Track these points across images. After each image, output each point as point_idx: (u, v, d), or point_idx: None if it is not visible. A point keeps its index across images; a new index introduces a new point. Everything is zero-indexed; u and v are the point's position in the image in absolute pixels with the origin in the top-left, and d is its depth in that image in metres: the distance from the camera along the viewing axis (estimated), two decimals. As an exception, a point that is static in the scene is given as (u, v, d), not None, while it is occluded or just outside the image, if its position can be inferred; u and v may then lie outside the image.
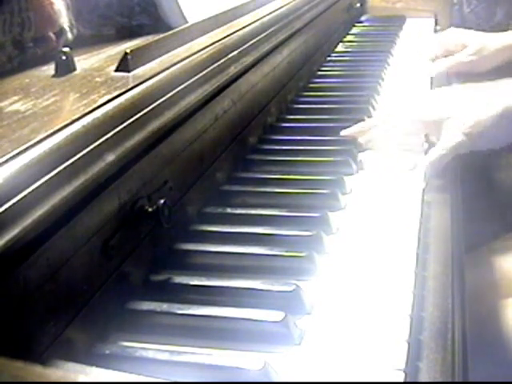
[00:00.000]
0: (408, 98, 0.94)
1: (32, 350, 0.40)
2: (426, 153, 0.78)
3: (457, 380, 0.47)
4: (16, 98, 0.52)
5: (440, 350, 0.48)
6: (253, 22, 0.85)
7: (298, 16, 1.06)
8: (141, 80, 0.56)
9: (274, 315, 0.47)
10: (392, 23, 1.63)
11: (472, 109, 0.76)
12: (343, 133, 0.85)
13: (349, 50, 1.40)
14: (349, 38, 1.50)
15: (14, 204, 0.37)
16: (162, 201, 0.53)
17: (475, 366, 0.70)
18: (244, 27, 0.82)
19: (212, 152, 0.70)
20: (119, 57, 0.60)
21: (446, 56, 1.20)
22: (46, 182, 0.40)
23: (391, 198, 0.69)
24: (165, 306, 0.49)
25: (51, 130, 0.43)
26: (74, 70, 0.60)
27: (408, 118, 0.81)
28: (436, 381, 0.46)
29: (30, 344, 0.40)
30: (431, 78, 1.14)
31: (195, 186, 0.64)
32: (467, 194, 0.82)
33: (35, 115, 0.47)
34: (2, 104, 0.50)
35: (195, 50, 0.68)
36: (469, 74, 1.17)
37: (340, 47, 1.41)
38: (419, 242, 0.60)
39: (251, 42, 0.80)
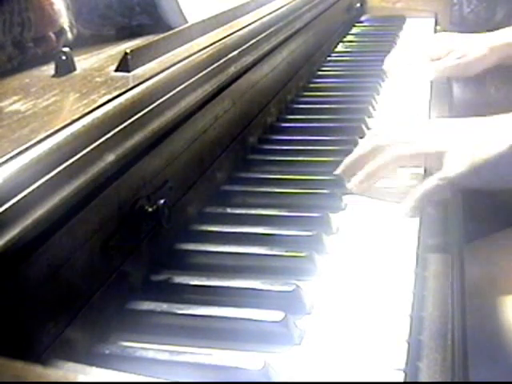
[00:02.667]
0: (403, 126, 0.79)
1: (32, 349, 0.40)
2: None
3: (457, 380, 0.47)
4: (16, 97, 0.52)
5: (440, 350, 0.48)
6: (253, 22, 0.85)
7: (297, 16, 1.06)
8: (141, 80, 0.56)
9: (274, 315, 0.47)
10: (392, 23, 1.63)
11: (480, 142, 0.66)
12: (337, 172, 0.73)
13: (349, 50, 1.40)
14: (349, 38, 1.50)
15: (14, 204, 0.37)
16: (162, 201, 0.53)
17: (475, 366, 0.70)
18: (244, 27, 0.82)
19: (212, 152, 0.70)
20: (119, 57, 0.60)
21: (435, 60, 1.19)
22: (45, 181, 0.40)
23: (391, 198, 0.69)
24: (165, 306, 0.49)
25: (51, 130, 0.43)
26: (74, 70, 0.60)
27: (406, 150, 0.70)
28: (436, 381, 0.46)
29: (30, 344, 0.40)
30: (431, 80, 1.14)
31: (195, 186, 0.64)
32: (467, 194, 0.82)
33: (35, 115, 0.47)
34: (2, 104, 0.50)
35: (195, 50, 0.68)
36: (468, 78, 1.16)
37: (340, 47, 1.41)
38: (419, 242, 0.60)
39: (251, 42, 0.80)
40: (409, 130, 0.74)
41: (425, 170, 0.74)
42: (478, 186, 0.67)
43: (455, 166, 0.66)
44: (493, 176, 0.66)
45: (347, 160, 0.73)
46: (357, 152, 0.74)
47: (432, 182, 0.66)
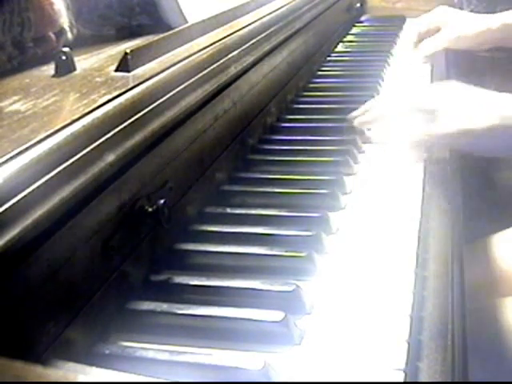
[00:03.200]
0: (407, 89, 0.92)
1: (32, 349, 0.40)
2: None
3: (457, 380, 0.47)
4: (16, 97, 0.52)
5: (440, 350, 0.48)
6: (253, 22, 0.85)
7: (297, 16, 1.06)
8: (141, 80, 0.56)
9: (274, 315, 0.47)
10: (392, 23, 1.63)
11: (472, 111, 0.72)
12: (350, 116, 0.86)
13: (349, 49, 1.40)
14: (349, 38, 1.50)
15: (14, 204, 0.37)
16: (161, 201, 0.53)
17: (475, 366, 0.70)
18: (244, 27, 0.82)
19: (212, 152, 0.70)
20: (119, 57, 0.60)
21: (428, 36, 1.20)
22: (45, 181, 0.40)
23: (391, 197, 0.69)
24: (165, 306, 0.49)
25: (51, 130, 0.43)
26: (74, 70, 0.60)
27: (405, 107, 0.79)
28: (436, 381, 0.46)
29: (30, 344, 0.40)
30: (431, 73, 1.14)
31: (195, 186, 0.64)
32: (467, 193, 0.82)
33: (35, 115, 0.47)
34: (2, 104, 0.50)
35: (195, 50, 0.68)
36: (468, 77, 1.16)
37: (340, 47, 1.41)
38: (419, 242, 0.60)
39: (251, 41, 0.80)
40: (408, 92, 0.85)
41: None
42: (458, 147, 0.74)
43: (445, 125, 0.72)
44: (476, 144, 0.71)
45: (359, 114, 0.86)
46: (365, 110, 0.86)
47: (419, 134, 0.73)
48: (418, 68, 1.22)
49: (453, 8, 1.24)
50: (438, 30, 1.18)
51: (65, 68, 0.59)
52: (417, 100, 0.79)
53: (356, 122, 0.86)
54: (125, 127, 0.49)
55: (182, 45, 0.69)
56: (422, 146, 0.74)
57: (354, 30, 1.59)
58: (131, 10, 0.81)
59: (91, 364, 0.41)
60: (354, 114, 0.87)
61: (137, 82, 0.55)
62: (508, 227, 1.04)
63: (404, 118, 0.79)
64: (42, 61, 0.63)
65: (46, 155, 0.41)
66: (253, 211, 0.65)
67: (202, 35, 0.75)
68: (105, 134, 0.47)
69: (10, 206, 0.37)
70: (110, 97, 0.51)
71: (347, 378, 0.43)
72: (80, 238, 0.45)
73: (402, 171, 0.75)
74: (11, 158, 0.39)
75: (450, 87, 0.79)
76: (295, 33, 1.04)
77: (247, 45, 0.79)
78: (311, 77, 1.16)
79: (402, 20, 1.65)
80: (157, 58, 0.64)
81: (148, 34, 0.78)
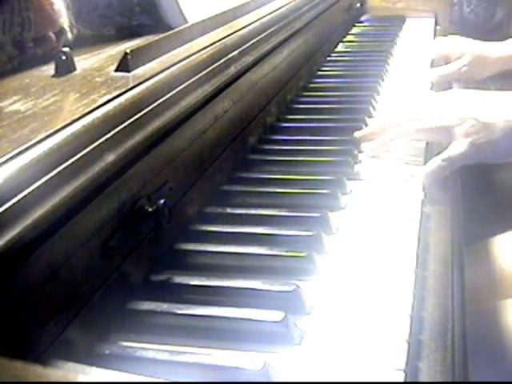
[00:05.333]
0: (411, 102, 0.90)
1: (32, 349, 0.40)
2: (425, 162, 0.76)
3: (457, 380, 0.47)
4: (16, 97, 0.52)
5: (440, 350, 0.48)
6: (253, 22, 0.85)
7: (298, 16, 1.06)
8: (141, 80, 0.56)
9: (274, 315, 0.47)
10: (392, 23, 1.63)
11: (485, 117, 0.72)
12: (357, 134, 0.84)
13: (349, 49, 1.40)
14: (349, 37, 1.50)
15: (14, 204, 0.37)
16: (161, 201, 0.53)
17: (475, 366, 0.70)
18: (244, 27, 0.82)
19: (212, 152, 0.70)
20: (119, 57, 0.60)
21: (443, 63, 1.20)
22: (46, 181, 0.40)
23: (391, 197, 0.69)
24: (165, 306, 0.49)
25: (51, 130, 0.43)
26: (74, 70, 0.60)
27: (413, 127, 0.78)
28: (436, 381, 0.46)
29: (30, 344, 0.40)
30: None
31: (195, 186, 0.64)
32: (467, 194, 0.82)
33: (35, 115, 0.47)
34: (2, 104, 0.50)
35: (195, 50, 0.68)
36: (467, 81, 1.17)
37: (340, 47, 1.41)
38: (419, 242, 0.60)
39: (251, 41, 0.80)
40: (417, 107, 0.82)
41: (426, 144, 0.82)
42: (476, 162, 0.74)
43: (459, 146, 0.72)
44: (493, 155, 0.72)
45: (362, 133, 0.83)
46: (370, 128, 0.85)
47: (436, 161, 0.73)
48: (418, 68, 1.22)
49: (460, 36, 1.26)
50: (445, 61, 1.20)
51: (65, 68, 0.59)
52: (417, 114, 0.78)
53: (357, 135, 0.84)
54: (125, 127, 0.49)
55: (182, 45, 0.69)
56: (442, 174, 0.73)
57: (354, 30, 1.59)
58: (131, 10, 0.81)
59: (91, 364, 0.41)
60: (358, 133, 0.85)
61: (137, 82, 0.55)
62: (508, 228, 1.04)
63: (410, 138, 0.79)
64: (42, 61, 0.63)
65: (45, 155, 0.41)
66: (253, 211, 0.65)
67: (202, 35, 0.75)
68: (105, 134, 0.47)
69: (9, 206, 0.37)
70: (109, 97, 0.51)
71: (347, 378, 0.43)
72: (80, 237, 0.45)
73: (402, 171, 0.75)
74: (11, 157, 0.39)
75: (450, 97, 0.79)
76: (295, 33, 1.04)
77: (247, 45, 0.79)
78: (311, 77, 1.16)
79: (402, 20, 1.65)
80: (157, 58, 0.64)
81: (148, 34, 0.78)
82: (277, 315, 0.47)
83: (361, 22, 1.67)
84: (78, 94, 0.53)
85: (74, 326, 0.44)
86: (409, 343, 0.46)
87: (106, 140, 0.47)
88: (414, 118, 0.78)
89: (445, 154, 0.73)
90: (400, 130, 0.79)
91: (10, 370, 0.29)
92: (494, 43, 1.18)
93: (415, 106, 0.83)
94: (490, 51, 1.16)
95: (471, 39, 1.22)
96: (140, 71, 0.59)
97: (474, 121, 0.72)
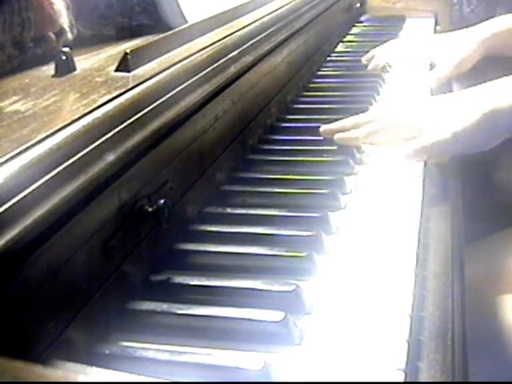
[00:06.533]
0: (396, 102, 0.92)
1: (32, 349, 0.40)
2: None
3: (457, 380, 0.47)
4: (16, 98, 0.52)
5: (440, 350, 0.48)
6: (253, 22, 0.85)
7: (298, 16, 1.06)
8: (141, 80, 0.56)
9: (274, 315, 0.47)
10: (392, 23, 1.63)
11: (456, 113, 0.74)
12: (322, 129, 0.83)
13: (349, 50, 1.40)
14: (349, 38, 1.50)
15: (14, 204, 0.37)
16: (162, 201, 0.53)
17: (475, 365, 0.70)
18: (244, 27, 0.82)
19: (212, 152, 0.70)
20: (119, 57, 0.60)
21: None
22: (46, 181, 0.40)
23: (391, 197, 0.69)
24: (165, 306, 0.49)
25: (51, 130, 0.43)
26: (74, 70, 0.60)
27: (393, 121, 0.79)
28: (436, 381, 0.46)
29: (30, 344, 0.40)
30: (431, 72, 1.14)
31: (195, 186, 0.64)
32: (467, 194, 0.82)
33: (35, 115, 0.47)
34: (2, 104, 0.50)
35: (195, 50, 0.68)
36: (468, 76, 1.17)
37: (340, 47, 1.41)
38: (419, 242, 0.60)
39: (251, 41, 0.80)
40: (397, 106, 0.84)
41: None
42: (453, 151, 0.76)
43: (433, 134, 0.73)
44: (468, 141, 0.73)
45: (336, 123, 0.83)
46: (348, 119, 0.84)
47: (408, 149, 0.74)
48: (417, 68, 1.22)
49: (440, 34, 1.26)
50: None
51: (65, 68, 0.59)
52: (402, 119, 0.79)
53: (340, 136, 0.82)
54: (125, 127, 0.49)
55: (182, 45, 0.69)
56: (417, 159, 0.75)
57: (354, 30, 1.59)
58: (131, 10, 0.81)
59: (91, 364, 0.41)
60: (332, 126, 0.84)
61: (137, 82, 0.55)
62: (508, 227, 1.04)
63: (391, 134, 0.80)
64: (42, 61, 0.63)
65: (45, 155, 0.41)
66: (253, 211, 0.65)
67: (201, 35, 0.75)
68: (105, 134, 0.47)
69: (10, 206, 0.37)
70: (110, 97, 0.51)
71: (347, 378, 0.43)
72: (80, 237, 0.45)
73: (402, 171, 0.75)
74: (11, 157, 0.39)
75: (436, 100, 0.81)
76: (295, 33, 1.04)
77: (247, 45, 0.79)
78: (311, 77, 1.16)
79: (402, 20, 1.65)
80: (157, 57, 0.64)
81: (148, 34, 0.78)
82: (277, 315, 0.47)
83: (361, 22, 1.67)
84: (77, 94, 0.53)
85: (74, 326, 0.44)
86: (409, 343, 0.46)
87: (106, 140, 0.47)
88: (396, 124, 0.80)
89: (416, 142, 0.74)
90: (371, 127, 0.79)
91: (10, 370, 0.29)
92: (464, 32, 1.18)
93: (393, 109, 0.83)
94: (466, 44, 1.15)
95: (442, 34, 1.23)
96: (140, 71, 0.59)
97: (445, 116, 0.75)
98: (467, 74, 1.15)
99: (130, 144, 0.50)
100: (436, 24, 1.63)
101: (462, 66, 1.12)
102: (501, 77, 0.78)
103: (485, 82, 0.79)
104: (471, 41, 1.13)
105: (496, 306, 0.87)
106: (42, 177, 0.40)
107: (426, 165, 0.75)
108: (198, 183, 0.65)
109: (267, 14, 0.92)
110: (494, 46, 1.13)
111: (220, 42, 0.73)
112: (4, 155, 0.39)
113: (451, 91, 1.15)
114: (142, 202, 0.53)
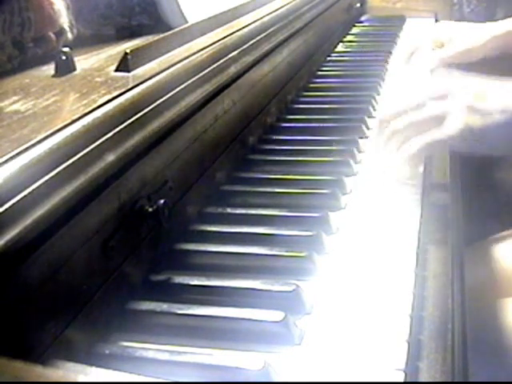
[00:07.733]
0: (403, 96, 0.87)
1: (32, 349, 0.40)
2: None
3: (457, 380, 0.47)
4: (16, 98, 0.52)
5: (440, 350, 0.48)
6: (253, 22, 0.85)
7: (297, 16, 1.06)
8: (141, 80, 0.56)
9: (274, 315, 0.47)
10: (392, 23, 1.63)
11: (476, 109, 0.70)
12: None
13: (349, 49, 1.40)
14: (349, 37, 1.50)
15: (14, 204, 0.37)
16: (161, 201, 0.53)
17: (475, 365, 0.70)
18: (244, 27, 0.82)
19: (212, 152, 0.70)
20: (119, 57, 0.60)
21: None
22: (46, 181, 0.40)
23: (391, 197, 0.69)
24: (165, 306, 0.49)
25: (51, 130, 0.43)
26: (74, 70, 0.60)
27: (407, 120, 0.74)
28: (436, 381, 0.46)
29: (30, 344, 0.40)
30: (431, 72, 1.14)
31: (195, 186, 0.64)
32: (467, 194, 0.82)
33: (35, 115, 0.47)
34: (2, 104, 0.50)
35: (195, 50, 0.68)
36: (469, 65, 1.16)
37: (340, 47, 1.41)
38: (419, 242, 0.60)
39: (251, 41, 0.80)
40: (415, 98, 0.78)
41: None
42: (465, 150, 0.71)
43: (452, 128, 0.69)
44: (483, 144, 0.69)
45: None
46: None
47: (426, 139, 0.70)
48: (417, 67, 1.21)
49: (453, 21, 1.24)
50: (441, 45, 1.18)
51: (65, 68, 0.59)
52: (427, 90, 0.75)
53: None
54: (125, 127, 0.49)
55: (182, 45, 0.69)
56: (429, 153, 0.72)
57: (354, 30, 1.59)
58: (131, 10, 0.81)
59: (91, 364, 0.41)
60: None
61: (137, 82, 0.55)
62: (508, 227, 1.04)
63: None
64: (42, 61, 0.63)
65: (45, 155, 0.41)
66: (253, 211, 0.65)
67: (201, 35, 0.75)
68: (105, 134, 0.47)
69: (10, 206, 0.37)
70: (110, 97, 0.51)
71: (347, 378, 0.43)
72: (80, 237, 0.45)
73: (402, 171, 0.75)
74: (11, 157, 0.39)
75: (450, 85, 0.77)
76: (295, 33, 1.04)
77: (247, 45, 0.79)
78: (311, 77, 1.16)
79: (402, 20, 1.65)
80: (157, 57, 0.64)
81: (148, 34, 0.78)
82: (277, 315, 0.47)
83: (361, 22, 1.67)
84: (77, 94, 0.53)
85: (74, 326, 0.44)
86: (409, 343, 0.46)
87: (106, 140, 0.47)
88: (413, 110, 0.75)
89: (437, 134, 0.70)
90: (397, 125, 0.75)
91: (10, 370, 0.29)
92: (480, 24, 1.17)
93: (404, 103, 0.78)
94: (479, 33, 1.14)
95: (460, 23, 1.22)
96: (140, 71, 0.59)
97: (466, 108, 0.70)
98: (472, 67, 1.14)
99: (129, 144, 0.50)
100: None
101: (468, 55, 1.11)
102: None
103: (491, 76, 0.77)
104: (484, 34, 1.12)
105: (496, 306, 0.87)
106: (42, 177, 0.40)
107: (425, 167, 0.75)
108: (198, 183, 0.65)
109: (267, 14, 0.92)
110: (506, 45, 1.12)
111: (220, 42, 0.73)
112: (4, 155, 0.39)
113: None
114: (141, 202, 0.53)
